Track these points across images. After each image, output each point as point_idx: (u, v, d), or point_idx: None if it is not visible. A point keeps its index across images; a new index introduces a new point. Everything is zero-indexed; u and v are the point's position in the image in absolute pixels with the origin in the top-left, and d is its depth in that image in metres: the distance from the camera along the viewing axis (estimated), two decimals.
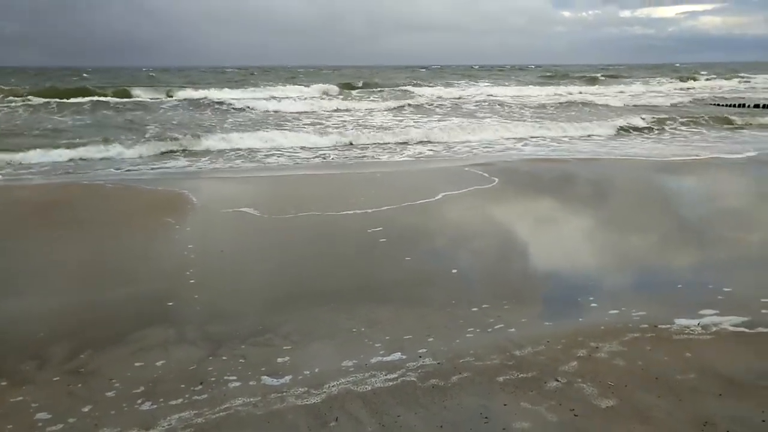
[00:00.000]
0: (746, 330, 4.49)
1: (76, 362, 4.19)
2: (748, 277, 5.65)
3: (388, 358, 4.17)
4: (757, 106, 26.57)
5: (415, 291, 5.44)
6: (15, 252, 6.69)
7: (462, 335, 4.53)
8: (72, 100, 25.48)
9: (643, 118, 20.45)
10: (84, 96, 26.71)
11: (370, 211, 8.08)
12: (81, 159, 13.42)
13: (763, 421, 3.33)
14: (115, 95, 28.61)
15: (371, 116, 23.06)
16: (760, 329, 4.49)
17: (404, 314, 4.92)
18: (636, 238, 7.14)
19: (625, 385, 3.76)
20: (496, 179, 10.34)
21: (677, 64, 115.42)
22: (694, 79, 50.32)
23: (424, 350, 4.28)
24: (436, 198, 8.86)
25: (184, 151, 14.32)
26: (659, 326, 4.62)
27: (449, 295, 5.32)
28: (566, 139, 16.96)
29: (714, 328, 4.55)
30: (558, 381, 3.83)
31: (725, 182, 10.58)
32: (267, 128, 18.39)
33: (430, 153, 14.46)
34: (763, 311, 4.84)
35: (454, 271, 5.93)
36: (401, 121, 21.43)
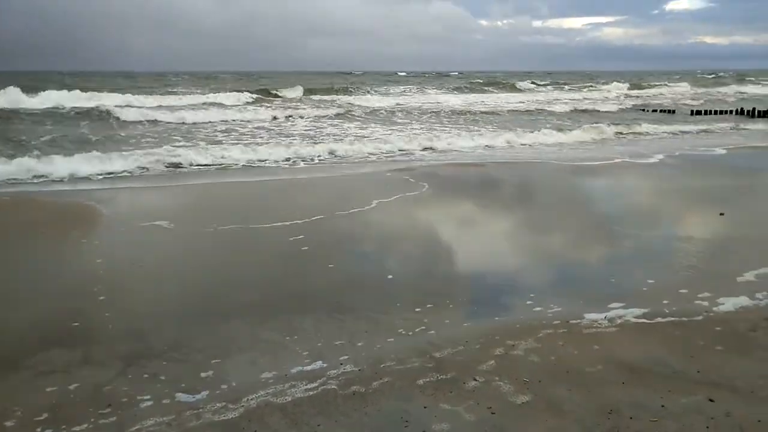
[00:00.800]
0: (646, 321, 4.79)
1: None
2: (651, 271, 6.02)
3: (309, 368, 4.11)
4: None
5: (337, 298, 5.41)
6: None
7: (383, 340, 4.54)
8: None
9: (616, 125, 21.23)
10: None
11: (300, 222, 7.95)
12: None
13: (663, 406, 3.55)
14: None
15: (291, 123, 22.73)
16: (659, 319, 4.81)
17: (326, 322, 4.87)
18: (551, 237, 7.46)
19: (539, 380, 3.90)
20: (426, 184, 10.48)
21: (588, 72, 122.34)
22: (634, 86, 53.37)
23: (346, 357, 4.25)
24: (371, 206, 8.85)
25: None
26: (571, 321, 4.83)
27: (372, 301, 5.34)
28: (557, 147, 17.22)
29: (619, 321, 4.82)
30: (476, 380, 3.91)
31: (633, 183, 11.27)
32: (176, 140, 16.99)
33: (353, 160, 14.47)
34: (665, 301, 5.17)
35: (388, 276, 5.96)
36: (324, 128, 21.34)
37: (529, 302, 5.29)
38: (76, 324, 4.84)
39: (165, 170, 12.60)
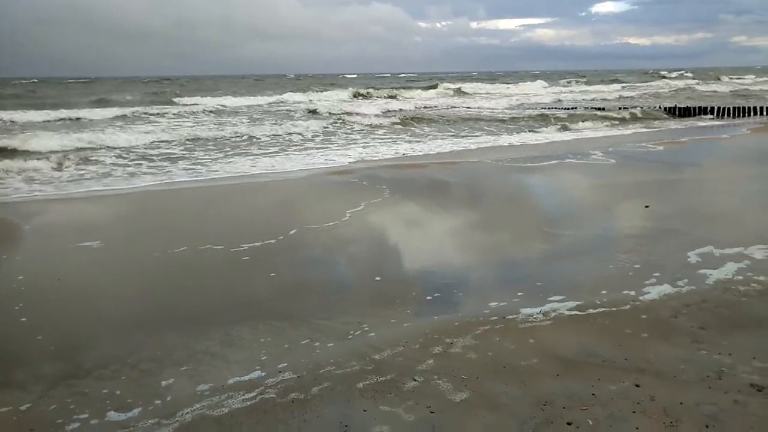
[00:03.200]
0: (579, 313, 4.97)
1: None
2: (584, 265, 6.25)
3: (246, 377, 4.03)
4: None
5: (276, 306, 5.32)
6: None
7: (323, 345, 4.51)
8: None
9: None
10: None
11: (276, 241, 7.76)
12: None
13: (593, 394, 3.68)
14: None
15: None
16: (590, 311, 4.99)
17: (264, 331, 4.79)
18: (492, 236, 7.60)
19: (476, 377, 3.97)
20: (386, 188, 10.46)
21: (537, 72, 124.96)
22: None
23: (284, 365, 4.19)
24: (345, 218, 8.74)
25: None
26: (507, 317, 4.94)
27: (312, 307, 5.29)
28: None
29: (553, 314, 4.97)
30: (415, 380, 3.94)
31: (571, 180, 11.66)
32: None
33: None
34: (598, 293, 5.36)
35: (329, 281, 5.93)
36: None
37: (468, 300, 5.38)
38: None
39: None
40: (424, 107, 33.92)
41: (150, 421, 3.54)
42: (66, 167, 13.41)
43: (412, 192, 10.26)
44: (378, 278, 6.02)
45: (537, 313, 5.00)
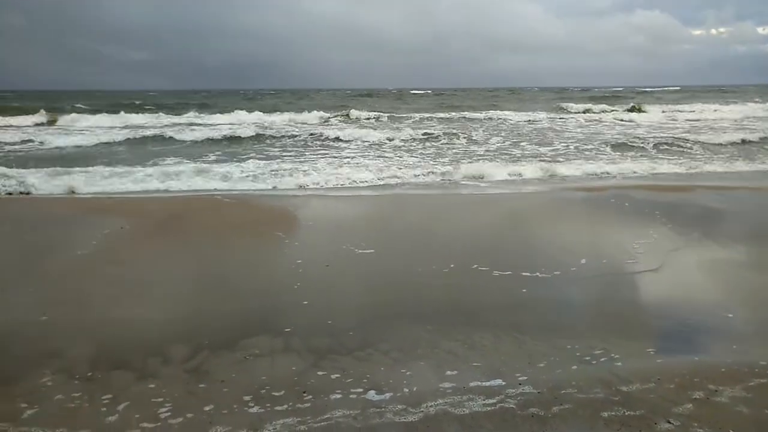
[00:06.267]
0: None
1: (193, 363, 4.53)
2: None
3: (487, 383, 4.12)
4: None
5: (518, 318, 5.33)
6: (145, 263, 7.36)
7: (564, 365, 4.38)
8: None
9: None
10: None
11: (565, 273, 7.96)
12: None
13: None
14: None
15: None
16: None
17: (505, 341, 4.84)
18: None
19: None
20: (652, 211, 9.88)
21: None
22: None
23: (524, 378, 4.19)
24: (638, 249, 8.60)
25: None
26: None
27: (554, 325, 5.17)
28: None
29: None
30: (670, 423, 3.59)
31: None
32: None
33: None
34: None
35: (572, 302, 5.79)
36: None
37: (738, 346, 4.70)
38: (279, 315, 5.44)
39: None
40: None
41: (399, 407, 3.86)
42: None
43: (687, 219, 9.27)
44: (631, 306, 5.61)
45: None
